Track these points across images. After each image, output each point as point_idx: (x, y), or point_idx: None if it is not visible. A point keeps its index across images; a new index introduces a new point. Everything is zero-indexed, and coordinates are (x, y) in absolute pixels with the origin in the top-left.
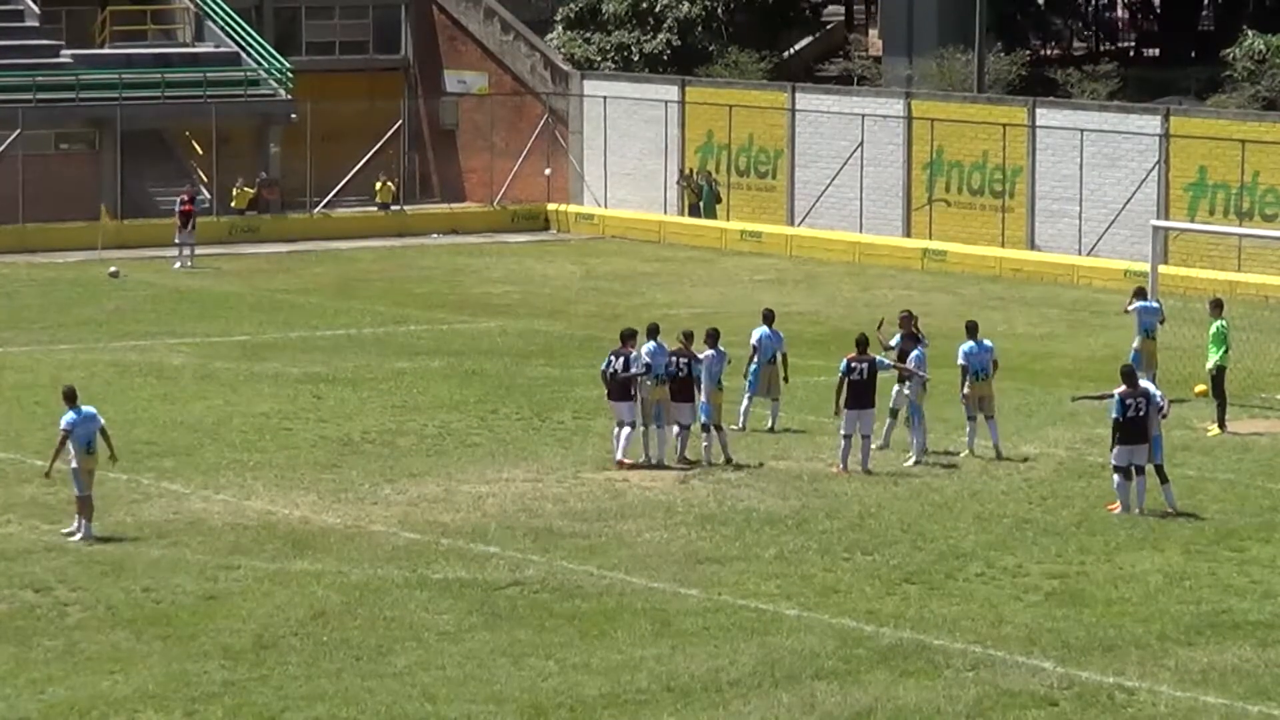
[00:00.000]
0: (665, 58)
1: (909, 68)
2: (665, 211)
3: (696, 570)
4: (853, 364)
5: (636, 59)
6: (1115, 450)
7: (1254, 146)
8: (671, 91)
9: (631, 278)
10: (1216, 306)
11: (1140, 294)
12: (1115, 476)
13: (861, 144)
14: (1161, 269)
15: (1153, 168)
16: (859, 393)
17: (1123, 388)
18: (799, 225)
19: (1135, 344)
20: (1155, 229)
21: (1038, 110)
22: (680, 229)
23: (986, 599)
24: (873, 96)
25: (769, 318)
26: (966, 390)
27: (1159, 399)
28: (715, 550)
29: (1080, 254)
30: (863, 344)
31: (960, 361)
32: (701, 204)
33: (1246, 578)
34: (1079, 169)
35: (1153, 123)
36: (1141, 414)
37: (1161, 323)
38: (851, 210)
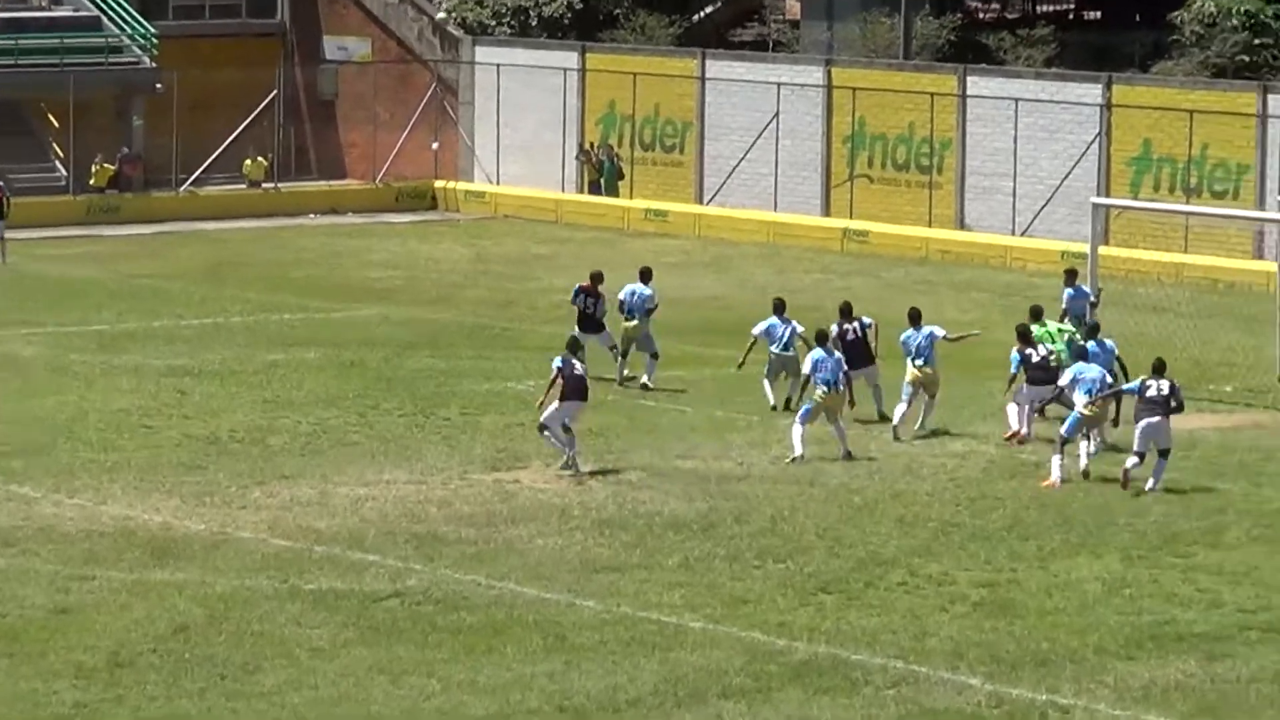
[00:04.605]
0: (565, 21)
1: (829, 33)
2: (563, 189)
3: (593, 579)
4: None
5: (534, 23)
6: (1025, 390)
7: (1202, 117)
8: (571, 58)
9: (525, 261)
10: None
11: (1071, 276)
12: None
13: (777, 115)
14: (1102, 250)
15: (1093, 140)
16: (1153, 407)
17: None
18: (708, 204)
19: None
20: (1095, 207)
21: (968, 78)
22: (579, 208)
23: (909, 610)
24: (789, 64)
25: (779, 308)
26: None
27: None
28: (614, 558)
29: (1014, 234)
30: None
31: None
32: (602, 181)
33: (1191, 586)
34: (1013, 142)
35: (1093, 92)
36: (1049, 359)
37: (1093, 307)
38: (765, 187)
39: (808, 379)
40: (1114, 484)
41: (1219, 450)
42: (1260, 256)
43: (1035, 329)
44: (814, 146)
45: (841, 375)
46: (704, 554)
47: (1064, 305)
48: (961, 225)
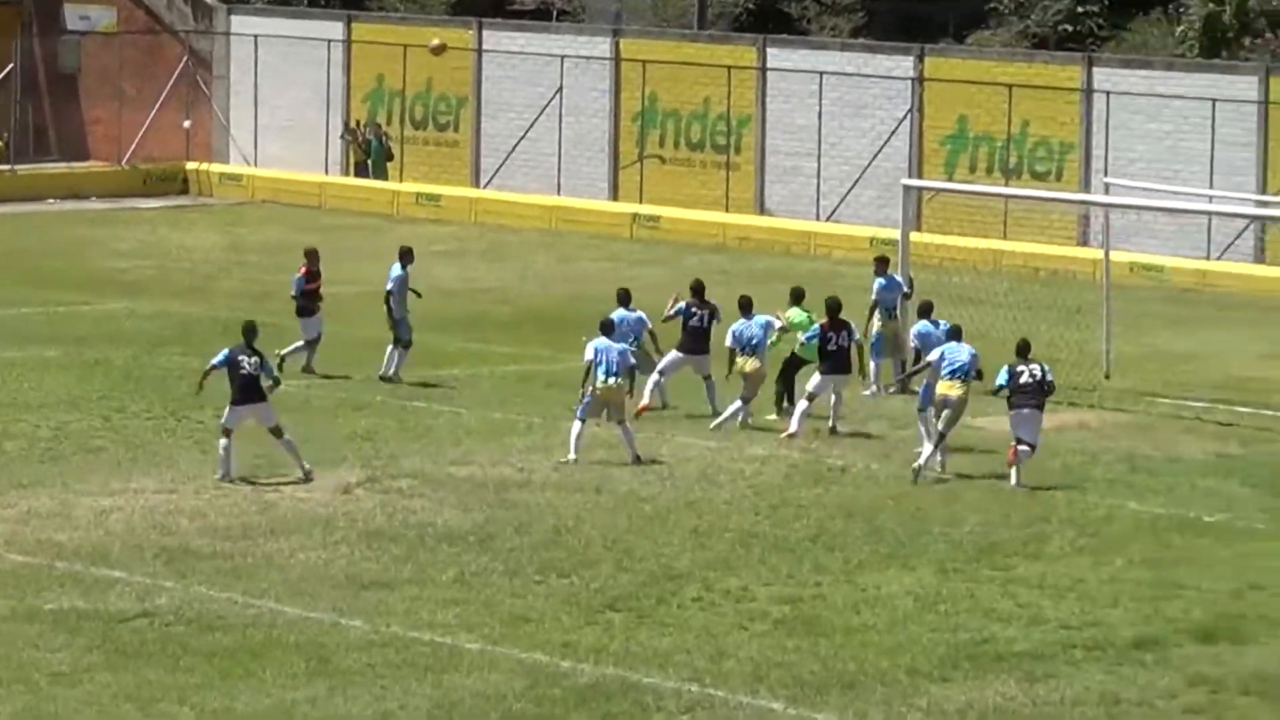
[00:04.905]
0: None
1: (618, 1)
2: (327, 171)
3: (360, 597)
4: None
5: None
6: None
7: (1023, 92)
8: (335, 29)
9: (286, 249)
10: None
11: (883, 265)
12: (801, 404)
13: (560, 90)
14: (914, 237)
15: (904, 117)
16: (1031, 392)
17: (823, 322)
18: (485, 187)
19: (876, 325)
20: (906, 189)
21: (769, 50)
22: (345, 192)
23: (705, 628)
24: (574, 34)
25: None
26: (742, 369)
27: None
28: (383, 573)
29: (818, 219)
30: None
31: (729, 343)
32: (370, 162)
33: (1011, 601)
34: (817, 119)
35: (904, 64)
36: (843, 346)
37: (906, 298)
38: (548, 169)
39: (587, 371)
40: (929, 487)
41: (1041, 453)
42: (1085, 243)
43: (794, 313)
44: (600, 124)
45: (625, 367)
46: (481, 568)
47: (874, 296)
48: (761, 210)
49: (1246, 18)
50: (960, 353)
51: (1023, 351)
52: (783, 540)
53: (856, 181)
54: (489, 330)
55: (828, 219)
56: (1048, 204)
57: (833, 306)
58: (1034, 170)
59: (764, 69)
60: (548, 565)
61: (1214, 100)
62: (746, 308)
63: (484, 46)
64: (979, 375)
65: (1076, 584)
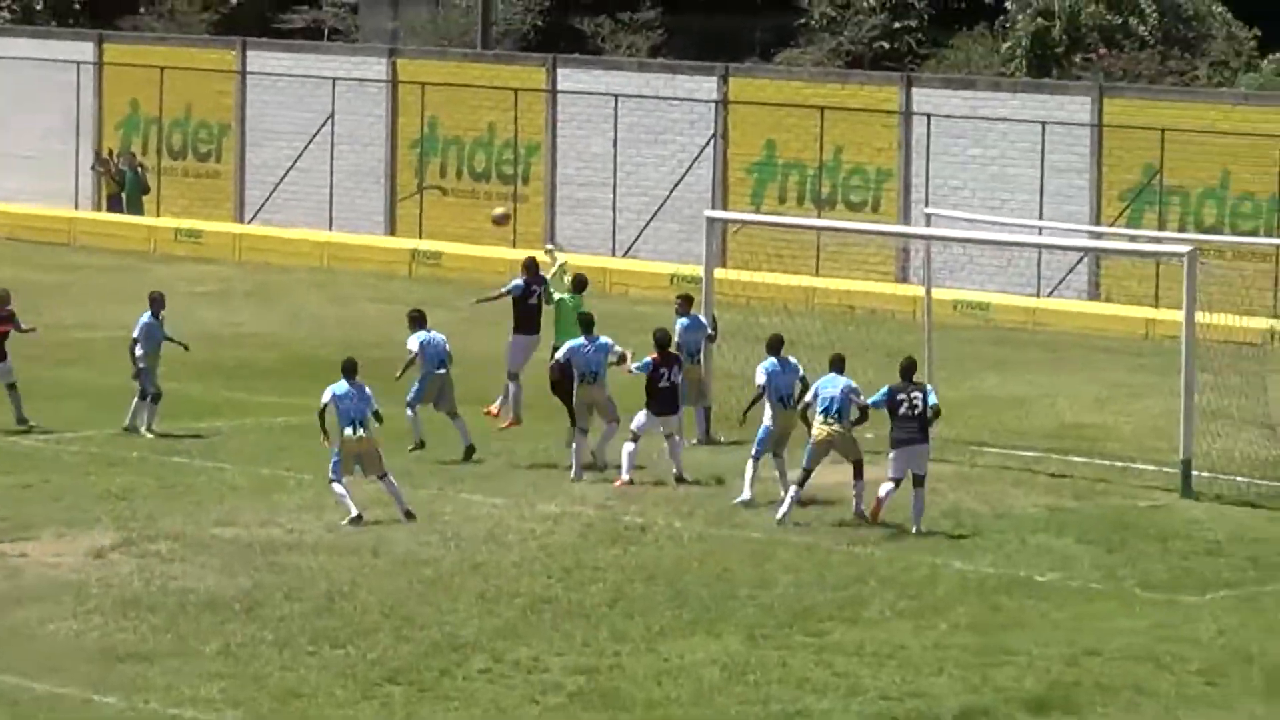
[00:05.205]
0: (78, 7)
1: (394, 19)
2: (76, 206)
3: (116, 671)
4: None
5: (39, 7)
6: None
7: (836, 115)
8: (85, 50)
9: (29, 291)
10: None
11: (685, 304)
12: (628, 446)
13: (332, 116)
14: (718, 273)
15: (707, 143)
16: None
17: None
18: (251, 222)
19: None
20: (710, 222)
21: (559, 71)
22: (96, 228)
23: (493, 702)
24: (346, 55)
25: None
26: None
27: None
28: (140, 644)
29: (614, 254)
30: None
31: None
32: (124, 195)
33: (827, 669)
34: (613, 146)
35: (706, 85)
36: (674, 383)
37: (711, 340)
38: (319, 202)
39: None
40: (740, 545)
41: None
42: (905, 280)
43: None
44: (376, 153)
45: (365, 414)
46: (248, 639)
47: (676, 339)
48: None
49: (1077, 33)
50: (834, 387)
51: (907, 373)
52: (577, 606)
53: (656, 214)
54: (255, 378)
55: (624, 254)
56: (864, 237)
57: (661, 340)
58: (849, 200)
59: (554, 91)
60: (321, 635)
61: (1043, 123)
62: (589, 325)
63: (249, 69)
64: (863, 415)
65: (897, 650)
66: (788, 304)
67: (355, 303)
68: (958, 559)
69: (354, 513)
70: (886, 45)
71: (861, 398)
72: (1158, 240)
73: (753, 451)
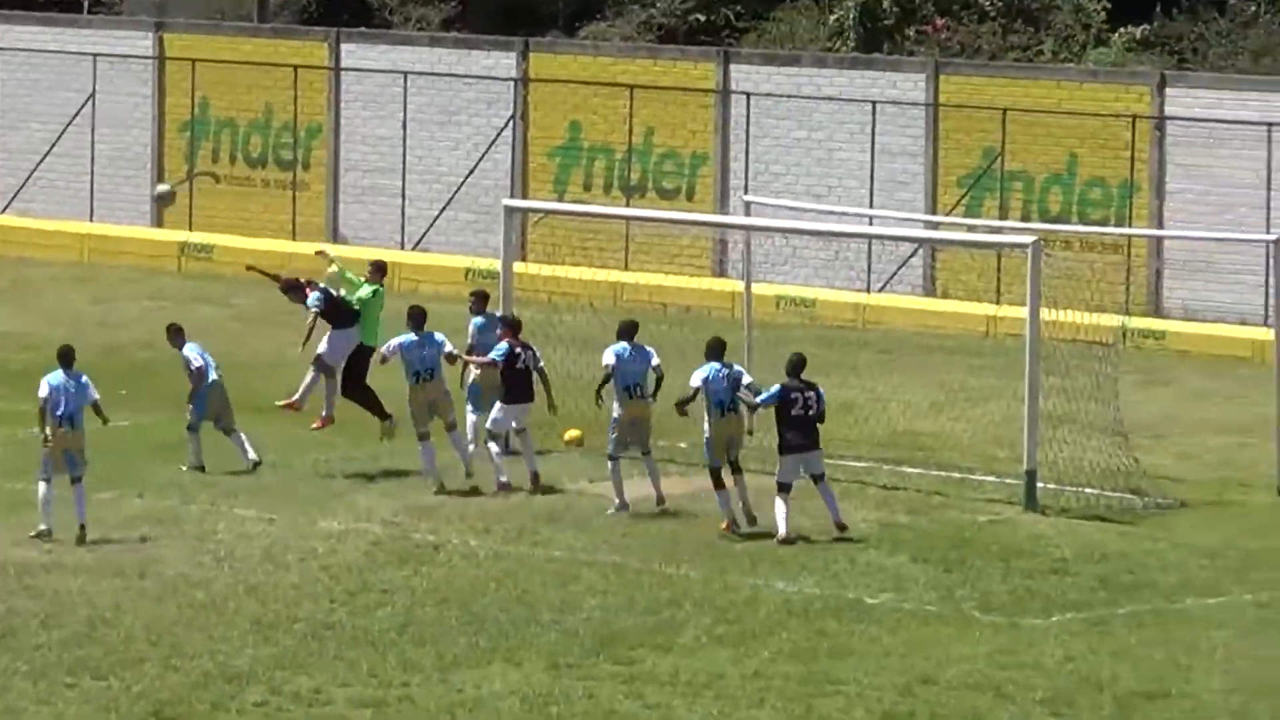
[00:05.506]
0: None
1: None
2: None
3: None
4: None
5: None
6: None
7: (647, 94)
8: None
9: None
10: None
11: (481, 301)
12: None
13: (93, 96)
14: (517, 267)
15: (505, 125)
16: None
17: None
18: (4, 212)
19: (473, 373)
20: (508, 211)
21: (343, 46)
22: None
23: None
24: (109, 29)
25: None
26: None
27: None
28: None
29: (403, 248)
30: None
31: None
32: None
33: (638, 701)
34: (401, 129)
35: (505, 62)
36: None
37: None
38: (78, 190)
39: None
40: (542, 565)
41: (674, 524)
42: (723, 274)
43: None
44: (142, 136)
45: (78, 406)
46: (0, 670)
47: (470, 339)
48: (335, 236)
49: (911, 4)
50: (722, 377)
51: (796, 369)
52: (363, 632)
53: (449, 203)
54: (7, 384)
55: (414, 247)
56: (677, 227)
57: (512, 322)
58: (661, 188)
59: (337, 69)
60: (81, 665)
61: (874, 102)
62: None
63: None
64: (758, 401)
65: (715, 680)
66: (593, 300)
67: (118, 301)
68: (780, 579)
69: (45, 527)
70: (702, 18)
71: (752, 394)
72: (999, 230)
73: (609, 451)
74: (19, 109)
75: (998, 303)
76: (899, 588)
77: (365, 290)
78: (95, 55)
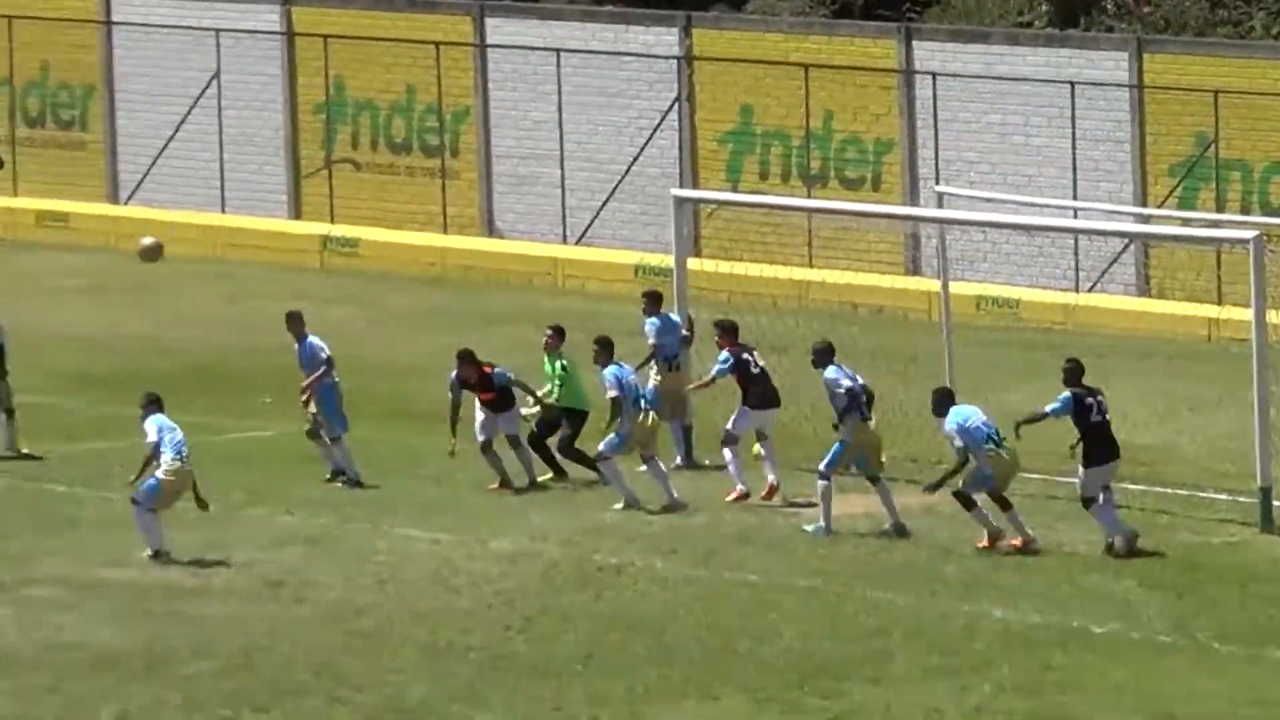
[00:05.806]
0: None
1: None
2: None
3: None
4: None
5: None
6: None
7: (823, 74)
8: None
9: None
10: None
11: (654, 301)
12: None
13: (218, 75)
14: (691, 264)
15: (670, 108)
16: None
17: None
18: (127, 203)
19: (653, 378)
20: (678, 202)
21: (487, 21)
22: None
23: None
24: (234, 1)
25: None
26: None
27: None
28: (22, 712)
29: (565, 242)
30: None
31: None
32: None
33: None
34: (557, 111)
35: (666, 38)
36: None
37: (686, 342)
38: (207, 178)
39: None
40: (735, 590)
41: (877, 545)
42: (916, 272)
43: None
44: (273, 119)
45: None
46: (150, 702)
47: (650, 340)
48: (491, 230)
49: None
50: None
51: (1077, 375)
52: (545, 662)
53: (613, 193)
54: (138, 393)
55: (577, 242)
56: (864, 220)
57: (729, 326)
58: (844, 177)
59: (483, 45)
60: (238, 696)
61: (1072, 83)
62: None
63: (113, 18)
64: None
65: (932, 715)
66: (776, 301)
67: (255, 300)
68: (997, 607)
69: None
70: None
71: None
72: (1215, 224)
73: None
74: (141, 89)
75: (1219, 304)
76: (1127, 615)
77: (552, 367)
78: (218, 30)
